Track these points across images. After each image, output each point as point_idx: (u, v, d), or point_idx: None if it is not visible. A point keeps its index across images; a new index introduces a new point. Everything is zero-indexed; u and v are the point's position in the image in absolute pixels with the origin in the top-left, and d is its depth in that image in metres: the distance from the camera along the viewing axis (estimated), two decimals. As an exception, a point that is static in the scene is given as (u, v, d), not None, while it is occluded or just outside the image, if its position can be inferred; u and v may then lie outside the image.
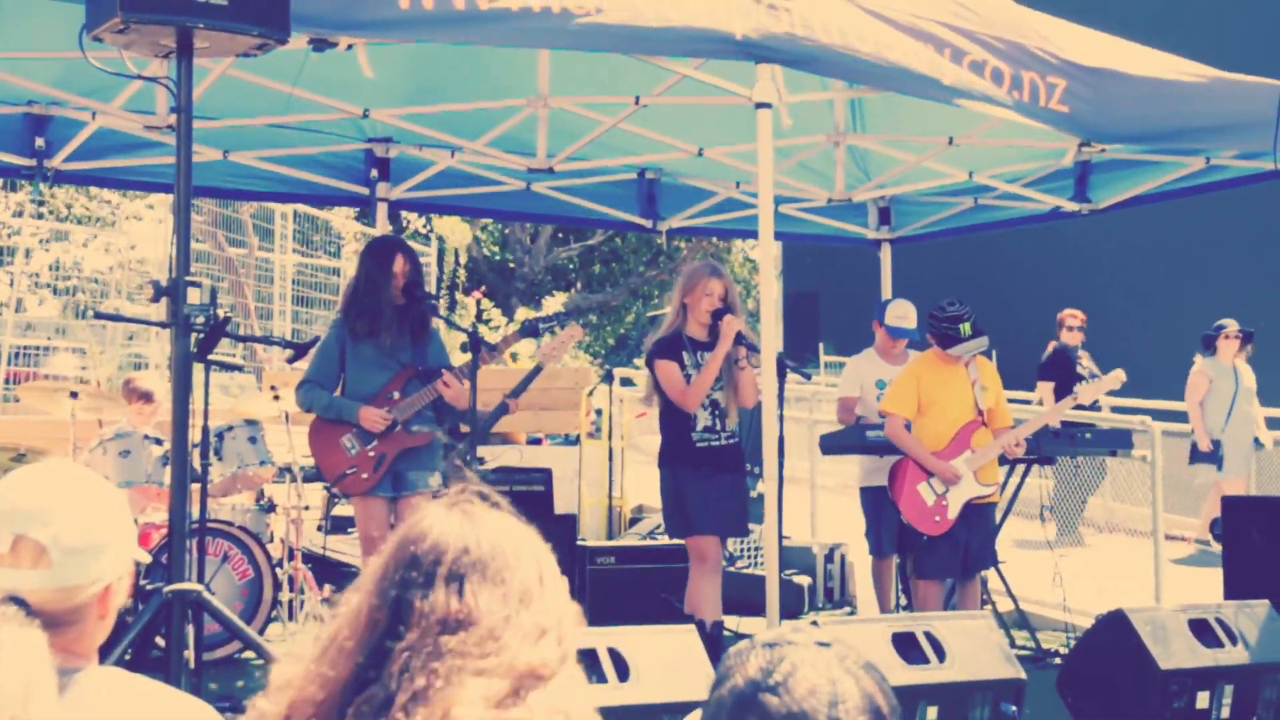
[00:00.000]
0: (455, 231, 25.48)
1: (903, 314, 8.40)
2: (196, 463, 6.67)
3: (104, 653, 2.40)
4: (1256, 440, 12.38)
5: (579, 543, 9.25)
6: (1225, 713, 5.97)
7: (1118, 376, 7.62)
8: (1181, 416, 15.45)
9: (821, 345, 22.91)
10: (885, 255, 10.23)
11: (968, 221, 10.03)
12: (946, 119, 7.72)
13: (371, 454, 6.66)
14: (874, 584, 8.61)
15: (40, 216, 23.35)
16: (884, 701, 1.70)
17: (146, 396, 8.47)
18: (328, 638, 1.84)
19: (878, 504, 8.29)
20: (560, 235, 31.28)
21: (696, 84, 6.63)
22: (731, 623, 8.29)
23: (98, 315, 15.80)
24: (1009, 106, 6.33)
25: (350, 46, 5.56)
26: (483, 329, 19.47)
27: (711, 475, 6.85)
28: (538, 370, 7.27)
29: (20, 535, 2.21)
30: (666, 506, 7.06)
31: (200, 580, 6.03)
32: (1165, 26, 14.71)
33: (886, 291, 10.02)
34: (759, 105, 5.89)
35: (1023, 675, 5.58)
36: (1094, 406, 11.65)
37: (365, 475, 6.65)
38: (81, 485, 2.31)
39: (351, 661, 1.78)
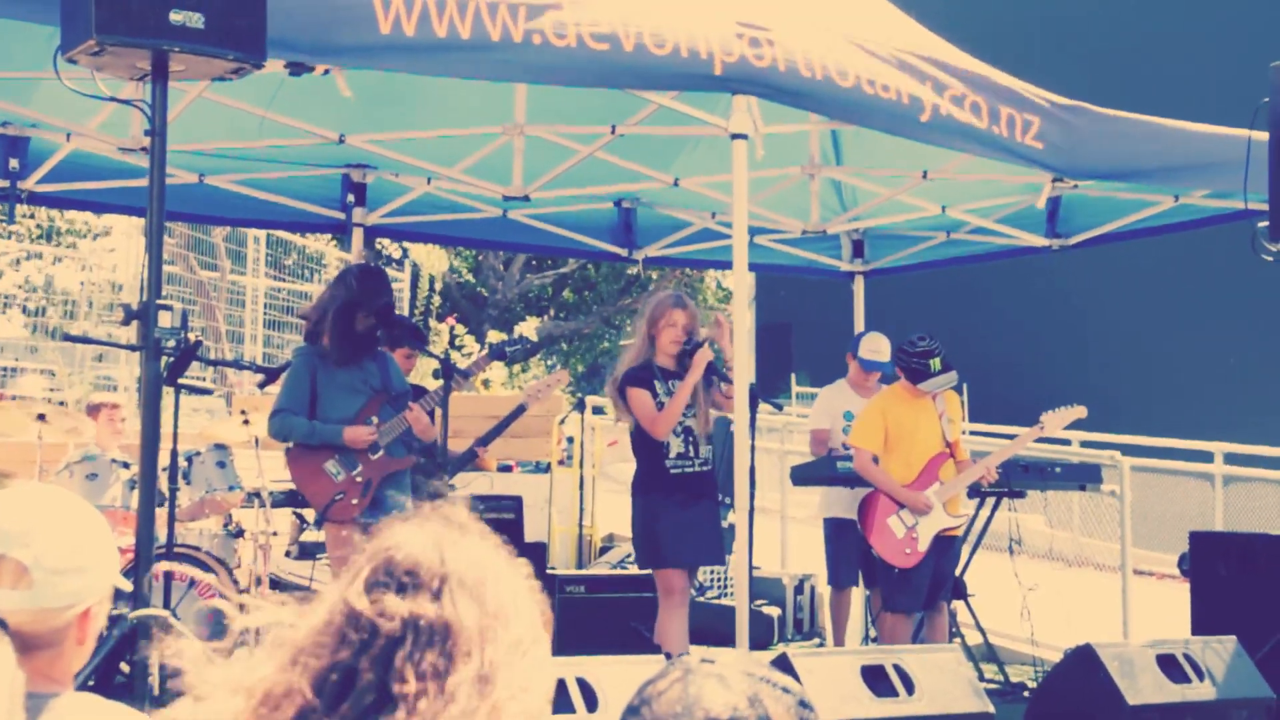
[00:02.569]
0: (430, 258, 25.46)
1: (876, 347, 8.42)
2: (164, 486, 6.65)
3: (69, 679, 2.37)
4: None
5: (549, 571, 9.23)
6: (1192, 748, 5.99)
7: (1079, 410, 7.65)
8: (1150, 451, 15.56)
9: (794, 376, 22.96)
10: (858, 288, 10.27)
11: (940, 255, 10.07)
12: (921, 152, 7.76)
13: (359, 479, 6.59)
14: (831, 615, 8.59)
15: (8, 237, 23.24)
16: (753, 713, 1.69)
17: (111, 405, 8.43)
18: (296, 643, 1.82)
19: (839, 534, 8.30)
20: (533, 263, 31.29)
21: (673, 114, 6.65)
22: (701, 653, 8.26)
23: (66, 337, 15.70)
24: (984, 144, 6.39)
25: (327, 71, 5.55)
26: (456, 356, 19.45)
27: (685, 503, 6.84)
28: (520, 410, 7.25)
29: (2, 555, 2.19)
30: (637, 535, 7.04)
31: (166, 606, 6.00)
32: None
33: (859, 324, 10.05)
34: (734, 136, 5.91)
35: (991, 709, 5.58)
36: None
37: (355, 501, 6.58)
38: (65, 507, 2.30)
39: (325, 667, 1.76)
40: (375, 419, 6.66)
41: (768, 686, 1.72)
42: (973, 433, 16.62)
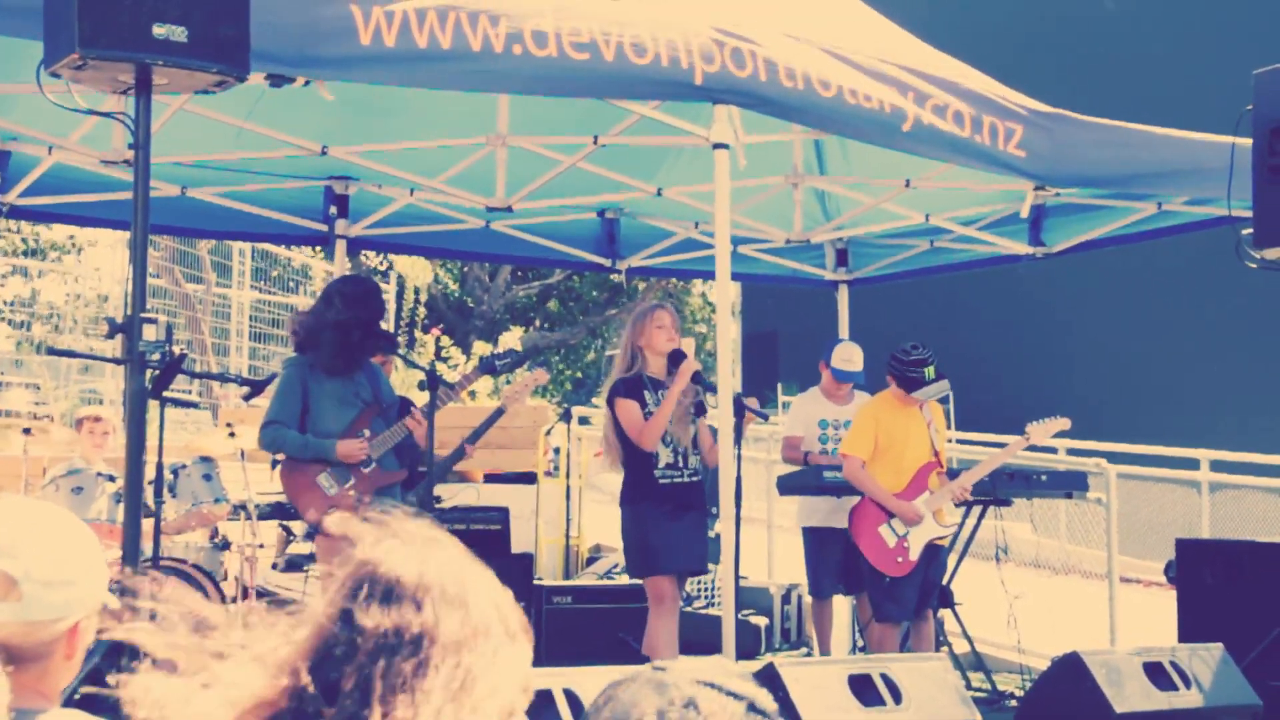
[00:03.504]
0: (415, 269, 25.43)
1: (848, 356, 8.42)
2: (150, 499, 6.63)
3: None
4: None
5: (536, 582, 9.22)
6: (1179, 755, 6.00)
7: (1064, 421, 7.66)
8: (1137, 459, 15.60)
9: (780, 386, 22.97)
10: (842, 297, 10.28)
11: (924, 264, 10.09)
12: (904, 161, 7.79)
13: (351, 493, 6.56)
14: (815, 625, 8.59)
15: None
16: (689, 716, 1.68)
17: (93, 418, 8.42)
18: (281, 656, 1.83)
19: (818, 544, 8.29)
20: (519, 274, 31.28)
21: (655, 124, 6.66)
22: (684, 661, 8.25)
23: (51, 351, 15.64)
24: (966, 154, 6.41)
25: (308, 82, 5.55)
26: (441, 367, 19.42)
27: (674, 513, 6.85)
28: (499, 413, 7.24)
29: None
30: (628, 545, 7.04)
31: (152, 619, 5.97)
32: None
33: (844, 333, 10.06)
34: (716, 146, 5.92)
35: (978, 718, 5.59)
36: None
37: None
38: (54, 521, 2.29)
39: (310, 678, 1.78)
40: (367, 432, 6.64)
41: (712, 691, 1.68)
42: (958, 441, 16.65)
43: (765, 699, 1.69)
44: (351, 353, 6.63)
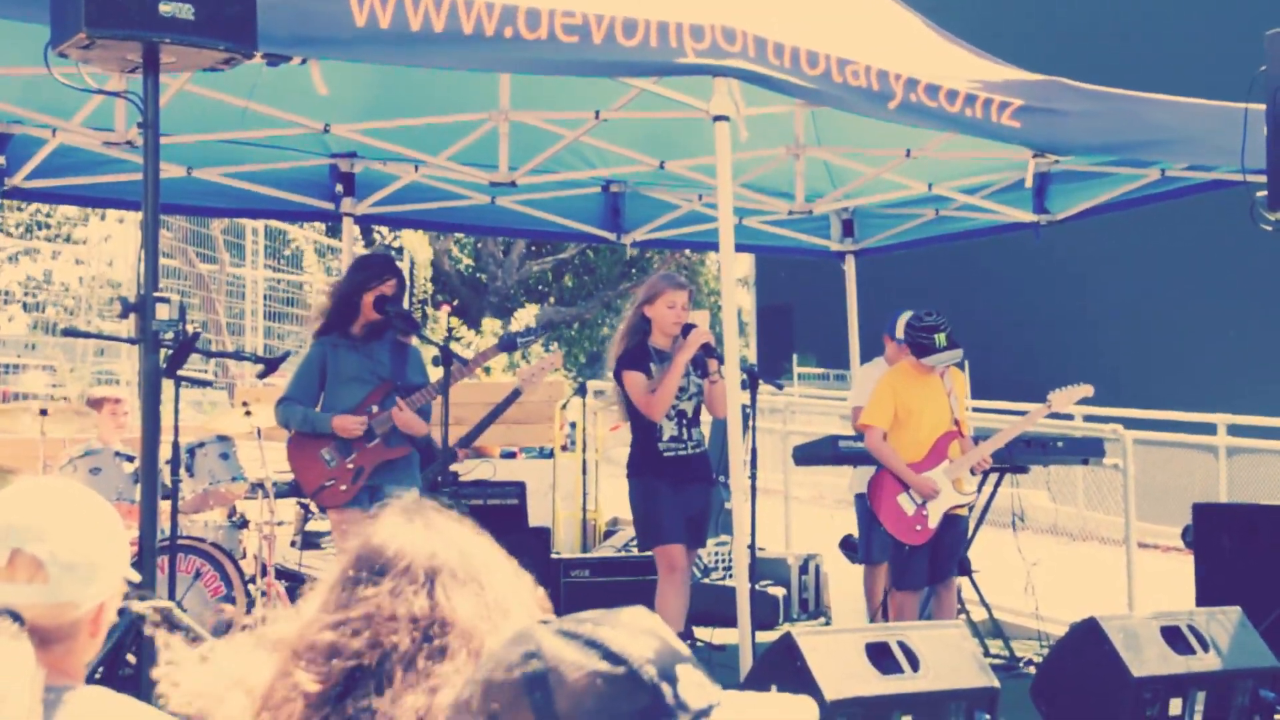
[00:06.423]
0: (416, 246, 25.45)
1: None
2: (167, 479, 6.66)
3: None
4: None
5: (553, 556, 9.25)
6: (1198, 719, 5.99)
7: (1086, 389, 7.64)
8: (1154, 424, 15.57)
9: (795, 357, 22.94)
10: (849, 267, 10.24)
11: (929, 233, 10.05)
12: (903, 131, 7.74)
13: (350, 466, 6.65)
14: (865, 593, 8.58)
15: (3, 231, 23.24)
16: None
17: (114, 399, 8.45)
18: (295, 643, 1.84)
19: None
20: (533, 249, 31.25)
21: (656, 98, 6.66)
22: (705, 634, 8.29)
23: (66, 332, 15.68)
24: (958, 126, 6.42)
25: (304, 60, 5.56)
26: (456, 346, 19.43)
27: (679, 484, 6.88)
28: (515, 395, 7.27)
29: (18, 550, 2.20)
30: (636, 516, 7.08)
31: (171, 597, 6.01)
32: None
33: (853, 303, 10.04)
34: (716, 118, 5.92)
35: (996, 684, 5.59)
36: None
37: (344, 487, 6.64)
38: (80, 502, 2.31)
39: (326, 665, 1.79)
40: (375, 408, 6.69)
41: (561, 639, 1.51)
42: (974, 409, 16.62)
43: (636, 646, 1.51)
44: (352, 318, 6.72)
